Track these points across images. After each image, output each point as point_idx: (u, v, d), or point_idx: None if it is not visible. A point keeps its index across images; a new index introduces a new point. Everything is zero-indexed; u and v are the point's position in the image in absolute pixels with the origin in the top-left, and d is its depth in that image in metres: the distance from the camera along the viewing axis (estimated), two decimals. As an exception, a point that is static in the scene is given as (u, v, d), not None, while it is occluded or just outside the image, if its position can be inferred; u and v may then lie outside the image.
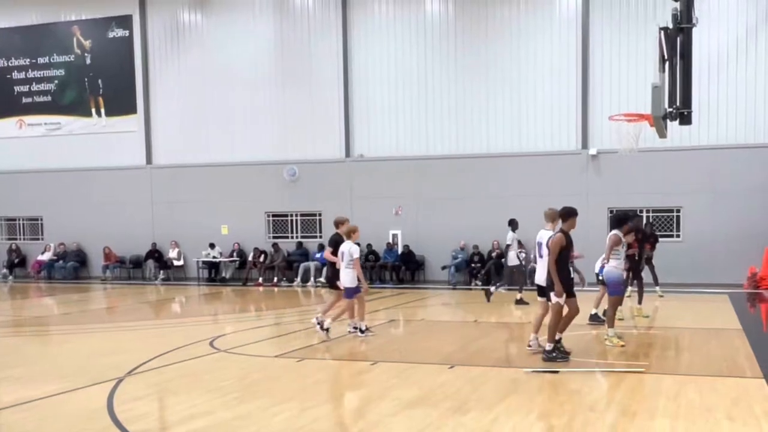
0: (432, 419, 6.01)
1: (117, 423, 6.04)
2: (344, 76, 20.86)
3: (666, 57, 11.14)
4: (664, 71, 11.15)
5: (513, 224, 14.42)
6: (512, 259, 14.36)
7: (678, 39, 11.06)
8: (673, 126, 11.98)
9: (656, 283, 14.90)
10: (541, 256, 8.88)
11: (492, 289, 14.91)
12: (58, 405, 6.76)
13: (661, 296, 14.94)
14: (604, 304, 10.32)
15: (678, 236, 18.46)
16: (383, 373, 8.25)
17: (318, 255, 20.68)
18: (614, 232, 9.56)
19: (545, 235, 8.80)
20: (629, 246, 10.34)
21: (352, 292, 10.28)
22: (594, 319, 11.16)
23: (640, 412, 6.16)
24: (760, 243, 17.11)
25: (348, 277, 10.16)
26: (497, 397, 6.75)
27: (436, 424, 5.88)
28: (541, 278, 8.90)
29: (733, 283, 17.00)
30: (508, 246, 14.45)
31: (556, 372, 7.89)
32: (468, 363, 8.71)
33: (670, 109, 11.07)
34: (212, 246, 21.65)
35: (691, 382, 7.37)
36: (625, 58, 18.51)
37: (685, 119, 11.15)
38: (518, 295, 14.37)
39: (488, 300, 14.62)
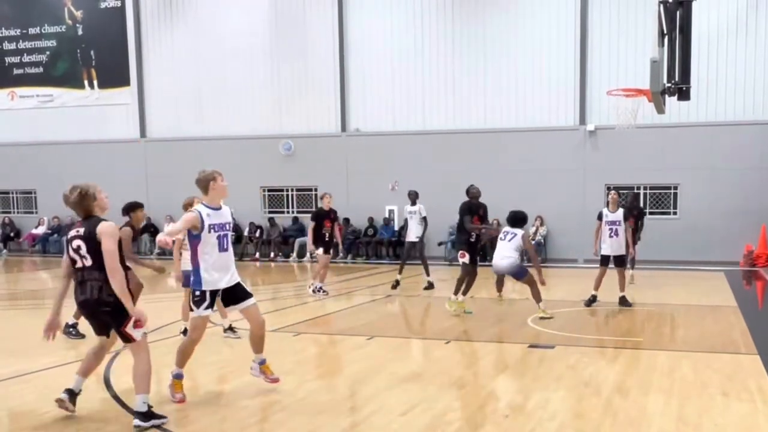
0: (428, 393, 6.03)
1: (114, 396, 6.05)
2: (340, 50, 20.61)
3: (665, 31, 11.00)
4: (663, 46, 11.01)
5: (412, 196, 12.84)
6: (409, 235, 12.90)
7: (677, 13, 10.91)
8: (671, 102, 11.91)
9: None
10: None
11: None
12: (55, 377, 6.75)
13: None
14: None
15: (675, 213, 18.46)
16: (379, 348, 8.27)
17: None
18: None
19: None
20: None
21: None
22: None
23: (634, 387, 6.19)
24: (757, 220, 17.14)
25: None
26: (493, 372, 6.77)
27: (431, 398, 5.89)
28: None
29: (729, 260, 17.05)
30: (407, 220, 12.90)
31: (552, 347, 7.92)
32: (464, 338, 8.75)
33: (669, 85, 10.96)
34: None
35: (686, 358, 7.40)
36: (624, 32, 18.31)
37: (684, 95, 11.04)
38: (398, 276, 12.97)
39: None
